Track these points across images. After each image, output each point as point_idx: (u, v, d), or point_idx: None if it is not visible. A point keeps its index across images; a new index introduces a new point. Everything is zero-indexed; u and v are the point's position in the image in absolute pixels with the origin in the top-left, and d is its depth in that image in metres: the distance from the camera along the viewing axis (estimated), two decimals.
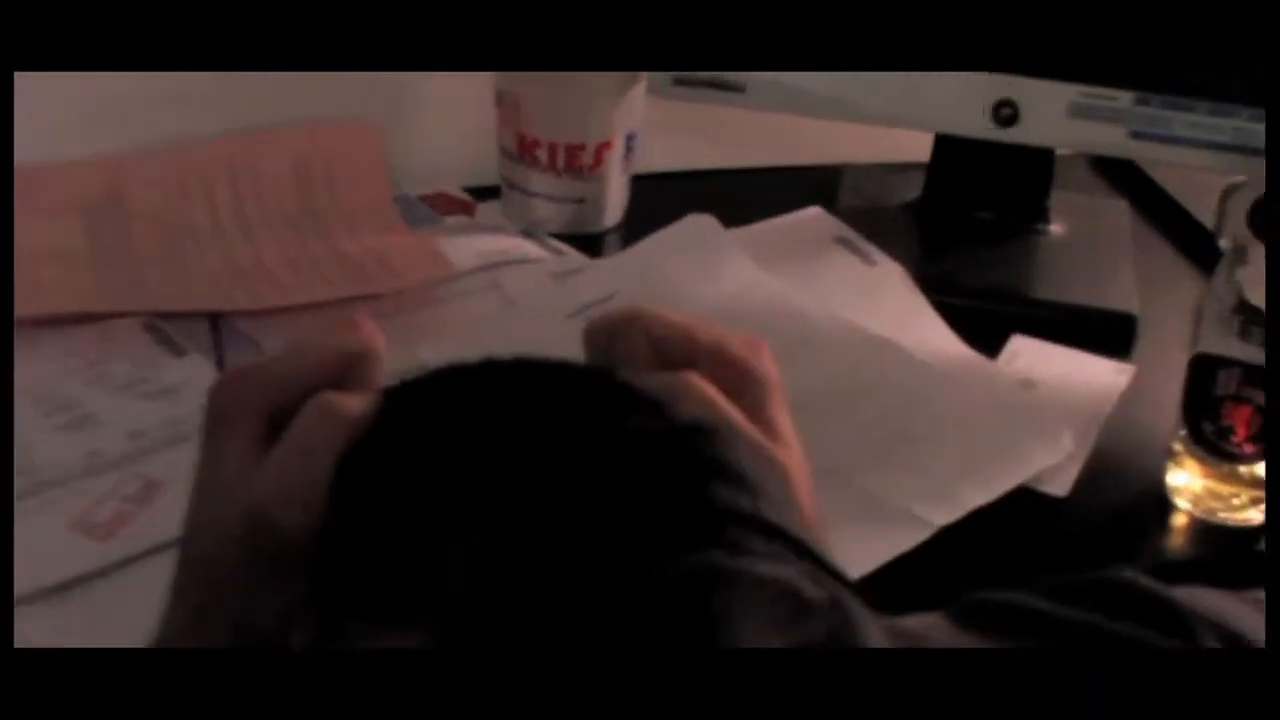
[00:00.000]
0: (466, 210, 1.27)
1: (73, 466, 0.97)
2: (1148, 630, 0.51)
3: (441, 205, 1.27)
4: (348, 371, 0.67)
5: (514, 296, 1.17)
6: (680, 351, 0.69)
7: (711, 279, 1.16)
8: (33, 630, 0.86)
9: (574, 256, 1.22)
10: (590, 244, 1.24)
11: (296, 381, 0.65)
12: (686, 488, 0.52)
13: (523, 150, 1.22)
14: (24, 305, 1.09)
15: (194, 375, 1.05)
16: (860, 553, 0.93)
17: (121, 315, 1.10)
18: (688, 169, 1.34)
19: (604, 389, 0.61)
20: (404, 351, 1.07)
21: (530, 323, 1.13)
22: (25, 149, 1.20)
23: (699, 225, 1.20)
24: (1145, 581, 0.54)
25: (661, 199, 1.25)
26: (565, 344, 1.07)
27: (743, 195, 1.29)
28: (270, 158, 1.25)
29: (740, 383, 0.69)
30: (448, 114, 1.28)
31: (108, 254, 1.17)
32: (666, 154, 1.33)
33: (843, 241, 1.23)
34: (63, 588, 0.90)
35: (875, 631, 0.49)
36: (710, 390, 0.66)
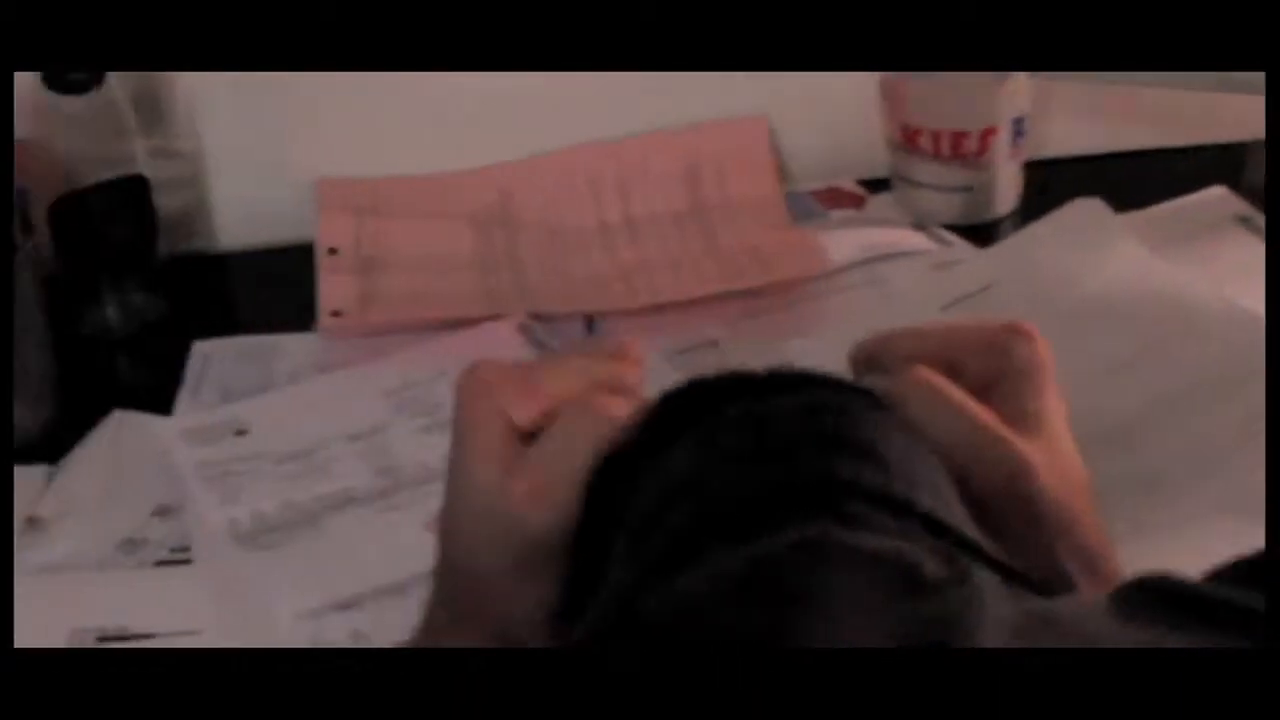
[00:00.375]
0: (856, 203, 1.25)
1: (435, 468, 1.01)
2: None
3: (831, 200, 1.26)
4: (610, 382, 0.68)
5: (891, 290, 1.15)
6: (935, 353, 0.67)
7: (1095, 265, 1.11)
8: (373, 624, 0.90)
9: (961, 247, 1.19)
10: (983, 234, 1.20)
11: (554, 385, 0.67)
12: (802, 461, 0.51)
13: (907, 140, 1.20)
14: (407, 311, 1.15)
15: None
16: (1229, 545, 0.88)
17: (497, 318, 1.13)
18: (1086, 153, 1.29)
19: (827, 389, 0.60)
20: (774, 347, 1.08)
21: (903, 315, 1.11)
22: (424, 161, 1.27)
23: (1085, 210, 1.15)
24: None
25: (1060, 184, 1.20)
26: None
27: (1146, 177, 1.23)
28: (660, 158, 1.27)
29: (997, 372, 0.67)
30: (841, 107, 1.26)
31: (492, 260, 1.21)
32: (1063, 138, 1.28)
33: (1244, 221, 1.16)
34: (409, 584, 0.94)
35: (1001, 613, 0.47)
36: (936, 380, 0.64)
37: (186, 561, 0.95)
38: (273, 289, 1.22)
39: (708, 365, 0.89)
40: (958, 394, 0.64)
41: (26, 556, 0.95)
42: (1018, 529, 0.62)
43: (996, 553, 0.52)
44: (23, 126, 1.09)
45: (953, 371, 0.66)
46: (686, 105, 1.27)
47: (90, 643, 0.89)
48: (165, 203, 1.21)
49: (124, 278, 1.14)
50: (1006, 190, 1.22)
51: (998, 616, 0.46)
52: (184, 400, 1.09)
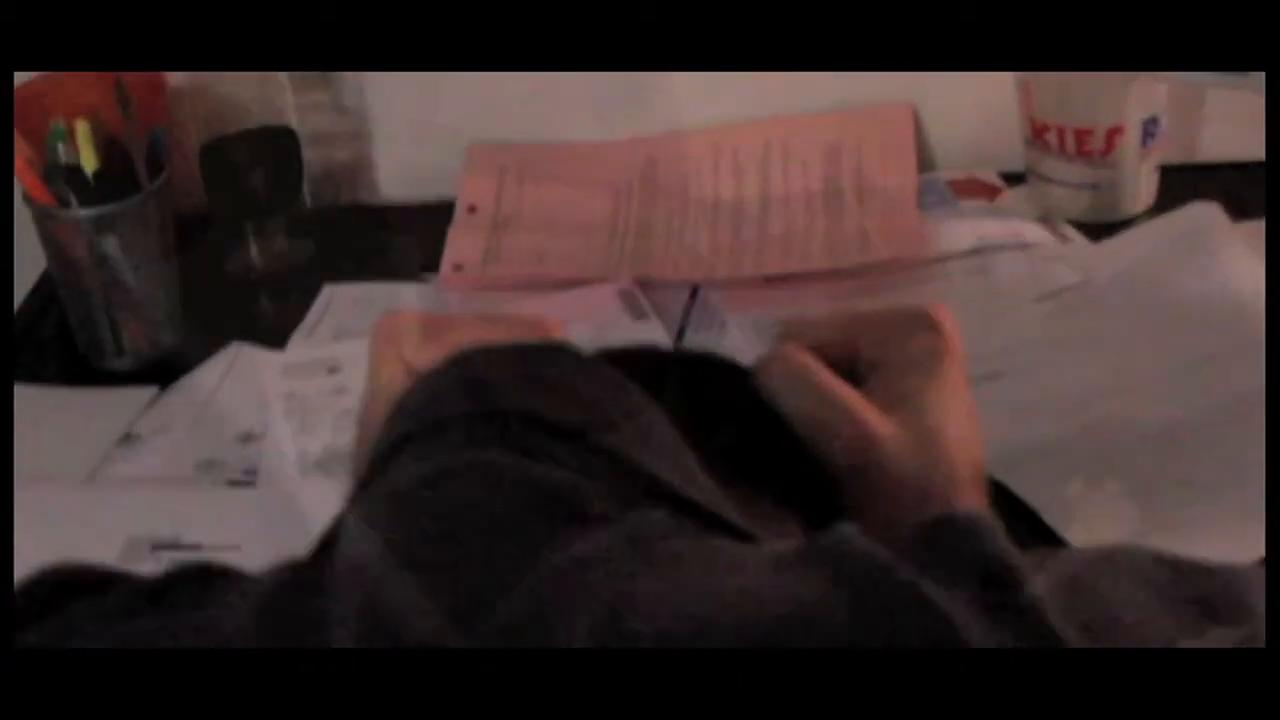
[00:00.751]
0: (990, 195, 1.25)
1: None
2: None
3: (967, 189, 1.26)
4: None
5: (993, 279, 1.15)
6: (837, 334, 0.70)
7: (1198, 269, 1.09)
8: None
9: (1079, 244, 1.18)
10: (1111, 233, 1.19)
11: (457, 336, 0.71)
12: (498, 394, 0.55)
13: (1035, 135, 1.20)
14: (521, 269, 1.20)
15: (644, 339, 1.10)
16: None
17: (603, 282, 1.17)
18: (1239, 159, 1.25)
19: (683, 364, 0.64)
20: None
21: (997, 305, 1.11)
22: (572, 130, 1.31)
23: (1200, 214, 1.13)
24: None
25: (1206, 189, 1.18)
26: (1028, 327, 1.07)
27: None
28: (804, 139, 1.29)
29: (889, 354, 0.69)
30: (990, 98, 1.26)
31: (620, 226, 1.25)
32: (1214, 144, 1.26)
33: None
34: None
35: (676, 549, 0.49)
36: (796, 357, 0.67)
37: (252, 484, 1.02)
38: (413, 242, 1.28)
39: None
40: (816, 371, 0.66)
41: (111, 468, 1.03)
42: (875, 507, 0.64)
43: (713, 503, 0.54)
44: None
45: (851, 352, 0.69)
46: (835, 89, 1.29)
47: (144, 552, 0.96)
48: (327, 155, 1.29)
49: (268, 221, 1.22)
50: (1138, 190, 1.20)
51: (661, 554, 0.48)
52: (298, 338, 1.15)
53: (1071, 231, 1.19)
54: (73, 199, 1.08)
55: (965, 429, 0.67)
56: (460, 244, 1.23)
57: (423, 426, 0.55)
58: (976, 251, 1.17)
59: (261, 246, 1.22)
